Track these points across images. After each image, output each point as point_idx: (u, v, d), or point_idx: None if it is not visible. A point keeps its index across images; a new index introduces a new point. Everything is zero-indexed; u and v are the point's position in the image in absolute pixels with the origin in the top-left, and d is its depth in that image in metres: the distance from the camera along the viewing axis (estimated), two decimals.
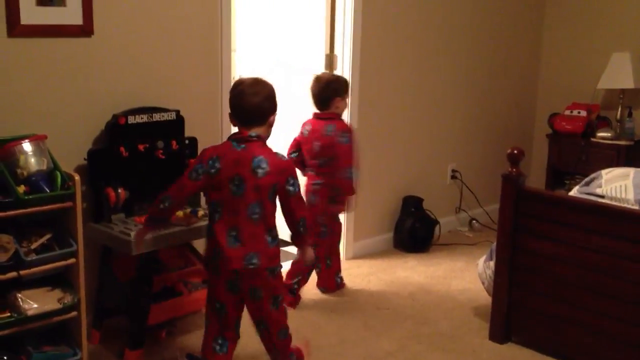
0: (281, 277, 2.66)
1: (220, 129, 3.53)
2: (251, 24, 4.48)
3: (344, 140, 3.42)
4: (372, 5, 4.02)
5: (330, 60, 4.06)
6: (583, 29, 4.95)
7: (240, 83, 2.56)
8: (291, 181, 2.49)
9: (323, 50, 4.05)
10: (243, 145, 2.47)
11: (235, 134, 2.54)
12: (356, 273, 4.01)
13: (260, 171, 2.43)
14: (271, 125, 2.56)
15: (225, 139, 3.53)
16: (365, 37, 4.02)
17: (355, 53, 3.99)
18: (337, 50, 4.04)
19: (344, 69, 4.02)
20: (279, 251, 2.56)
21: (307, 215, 2.64)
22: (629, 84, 4.46)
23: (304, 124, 3.56)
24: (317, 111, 3.51)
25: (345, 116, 4.03)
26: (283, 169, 2.48)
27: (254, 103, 2.47)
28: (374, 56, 4.10)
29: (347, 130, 3.48)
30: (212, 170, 2.46)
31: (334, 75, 3.63)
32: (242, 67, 4.60)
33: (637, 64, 4.49)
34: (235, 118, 2.54)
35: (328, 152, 3.43)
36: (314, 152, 3.48)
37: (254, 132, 2.48)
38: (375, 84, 4.15)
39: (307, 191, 3.46)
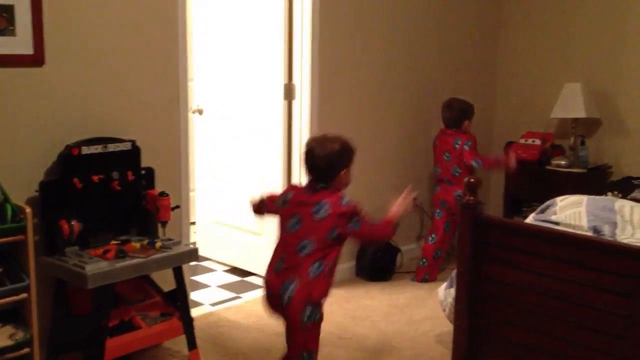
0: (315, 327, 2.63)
1: (178, 159, 3.50)
2: (209, 53, 4.47)
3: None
4: (330, 34, 4.05)
5: (289, 89, 4.08)
6: (536, 60, 5.07)
7: (311, 140, 2.73)
8: (353, 220, 2.58)
9: (281, 79, 4.06)
10: (311, 192, 2.60)
11: (308, 182, 2.66)
12: None
13: (318, 216, 2.53)
14: (343, 179, 2.67)
15: (183, 169, 3.53)
16: (324, 65, 4.04)
17: (313, 81, 4.01)
18: (296, 79, 4.05)
19: (302, 97, 4.03)
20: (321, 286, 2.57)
21: (381, 234, 2.75)
22: (580, 113, 4.57)
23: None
24: None
25: (305, 140, 4.04)
26: (343, 213, 2.55)
27: (321, 161, 2.60)
28: (333, 84, 4.13)
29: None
30: (281, 203, 2.66)
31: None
32: (200, 97, 4.58)
33: (588, 94, 4.61)
34: (307, 173, 2.66)
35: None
36: None
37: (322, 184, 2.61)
38: (335, 113, 4.17)
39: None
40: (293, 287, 2.52)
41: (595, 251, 2.59)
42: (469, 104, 4.33)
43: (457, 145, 4.23)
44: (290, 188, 2.79)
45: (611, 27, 4.69)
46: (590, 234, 2.77)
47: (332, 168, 2.61)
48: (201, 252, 4.56)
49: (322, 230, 2.53)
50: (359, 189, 4.37)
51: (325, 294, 2.60)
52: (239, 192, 4.39)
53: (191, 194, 4.03)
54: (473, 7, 5.00)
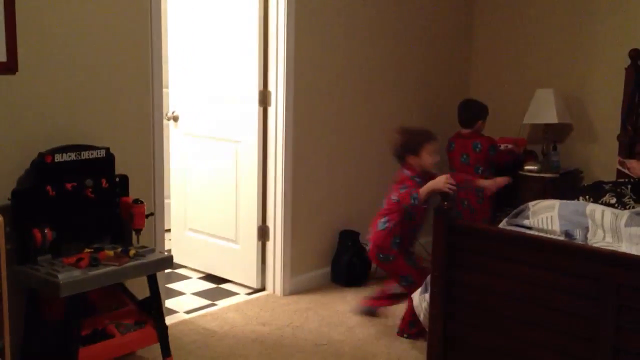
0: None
1: (153, 166, 3.48)
2: (184, 59, 4.46)
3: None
4: (305, 41, 4.06)
5: (264, 96, 4.08)
6: (509, 67, 5.14)
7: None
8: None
9: (256, 86, 4.07)
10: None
11: None
12: (294, 309, 3.98)
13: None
14: (414, 162, 3.49)
15: (157, 176, 3.51)
16: (299, 72, 4.05)
17: (289, 88, 4.02)
18: (271, 86, 4.06)
19: (277, 104, 4.04)
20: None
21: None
22: (552, 119, 4.63)
23: None
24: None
25: (280, 151, 4.06)
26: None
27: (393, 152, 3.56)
28: (309, 91, 4.14)
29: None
30: None
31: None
32: (176, 104, 4.57)
33: (560, 100, 4.68)
34: None
35: None
36: None
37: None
38: (310, 119, 4.18)
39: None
40: (369, 236, 3.56)
41: (567, 255, 2.63)
42: (483, 105, 4.58)
43: (478, 149, 4.46)
44: None
45: (581, 34, 4.77)
46: (562, 238, 2.81)
47: (400, 157, 3.53)
48: (176, 260, 4.53)
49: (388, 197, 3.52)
50: (338, 191, 4.40)
51: (389, 245, 3.47)
52: (215, 199, 4.39)
53: (166, 201, 4.01)
54: (446, 13, 5.05)
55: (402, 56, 4.74)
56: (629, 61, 4.44)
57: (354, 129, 4.48)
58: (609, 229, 2.77)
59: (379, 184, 4.70)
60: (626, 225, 2.76)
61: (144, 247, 3.04)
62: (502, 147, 4.68)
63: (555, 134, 4.82)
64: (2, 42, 2.83)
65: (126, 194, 3.11)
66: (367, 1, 4.40)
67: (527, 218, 3.00)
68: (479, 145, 4.49)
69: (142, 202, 3.04)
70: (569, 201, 3.10)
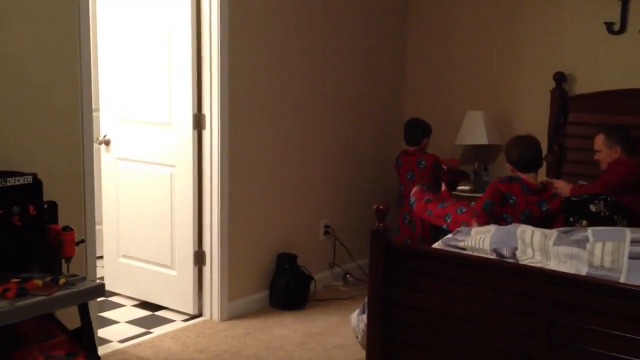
0: None
1: (83, 192, 3.40)
2: (115, 83, 4.38)
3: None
4: (241, 63, 4.06)
5: (198, 119, 4.05)
6: (441, 88, 5.26)
7: None
8: None
9: (190, 109, 4.03)
10: None
11: None
12: (232, 334, 3.92)
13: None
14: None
15: (88, 202, 3.42)
16: (234, 95, 4.04)
17: (223, 111, 3.99)
18: (206, 109, 4.03)
19: (212, 128, 4.01)
20: None
21: None
22: (483, 140, 4.76)
23: None
24: None
25: (215, 175, 4.02)
26: None
27: None
28: (244, 113, 4.13)
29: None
30: None
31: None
32: (108, 127, 4.48)
33: (490, 122, 4.82)
34: None
35: None
36: None
37: None
38: (246, 142, 4.16)
39: None
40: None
41: (498, 273, 2.70)
42: (428, 124, 4.78)
43: (422, 165, 4.62)
44: None
45: (509, 58, 4.93)
46: (493, 256, 2.88)
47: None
48: (109, 287, 4.44)
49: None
50: (275, 213, 4.38)
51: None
52: (149, 224, 4.30)
53: (98, 227, 3.91)
54: (380, 38, 5.14)
55: (338, 78, 4.79)
56: (554, 84, 4.62)
57: (291, 151, 4.48)
58: (537, 248, 2.84)
59: (316, 206, 4.72)
60: (554, 244, 2.84)
61: (74, 275, 2.94)
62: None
63: (486, 154, 4.96)
64: None
65: (55, 221, 3.02)
66: (303, 23, 4.43)
67: (464, 239, 3.06)
68: (423, 162, 4.64)
69: (71, 229, 2.96)
70: (503, 226, 3.18)
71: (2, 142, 3.02)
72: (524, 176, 3.72)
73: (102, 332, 3.82)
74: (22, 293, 2.67)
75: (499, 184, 3.70)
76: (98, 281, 3.15)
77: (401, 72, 5.40)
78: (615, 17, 4.46)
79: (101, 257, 4.48)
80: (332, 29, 4.69)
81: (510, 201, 3.65)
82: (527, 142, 3.72)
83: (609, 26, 4.48)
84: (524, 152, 3.70)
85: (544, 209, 3.66)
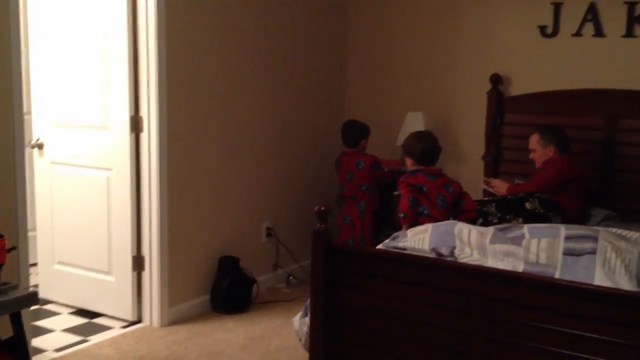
0: None
1: (14, 197, 3.28)
2: (48, 84, 4.25)
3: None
4: (178, 64, 3.99)
5: (136, 122, 3.97)
6: (382, 89, 5.30)
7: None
8: None
9: (127, 111, 3.94)
10: None
11: None
12: (173, 340, 3.86)
13: None
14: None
15: (20, 208, 3.30)
16: (172, 96, 3.97)
17: (162, 113, 3.92)
18: (143, 111, 3.95)
19: (150, 130, 3.94)
20: None
21: None
22: None
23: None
24: None
25: (154, 178, 3.95)
26: None
27: None
28: (183, 115, 4.07)
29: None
30: None
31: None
32: (41, 130, 4.34)
33: (429, 123, 4.88)
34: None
35: None
36: None
37: None
38: (185, 145, 4.10)
39: None
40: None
41: (436, 271, 2.73)
42: (365, 125, 4.75)
43: (360, 167, 4.61)
44: None
45: (446, 60, 5.01)
46: (432, 255, 2.91)
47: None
48: (44, 295, 4.31)
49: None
50: (217, 216, 4.33)
51: None
52: (86, 229, 4.19)
53: (32, 233, 3.78)
54: (320, 40, 5.15)
55: (277, 78, 4.77)
56: (490, 85, 4.72)
57: (231, 153, 4.44)
58: (475, 245, 2.89)
59: (257, 208, 4.69)
60: (490, 242, 2.89)
61: (5, 283, 2.83)
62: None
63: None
64: None
65: None
66: (241, 22, 4.39)
67: (404, 241, 3.08)
68: (362, 163, 4.64)
69: (2, 236, 2.84)
70: (441, 223, 3.22)
71: None
72: (425, 169, 3.92)
73: (36, 342, 3.69)
74: None
75: (407, 179, 3.89)
76: (31, 289, 3.04)
77: (341, 72, 5.43)
78: (548, 21, 4.59)
79: (35, 265, 4.34)
80: (271, 27, 4.66)
81: (424, 189, 3.85)
82: (428, 138, 3.97)
83: (542, 29, 4.61)
84: (426, 147, 3.93)
85: (450, 190, 3.89)
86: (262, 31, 4.59)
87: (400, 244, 3.08)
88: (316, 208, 3.02)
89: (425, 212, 3.81)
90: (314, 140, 5.16)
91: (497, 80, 4.71)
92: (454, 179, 4.07)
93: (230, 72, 4.38)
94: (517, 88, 4.74)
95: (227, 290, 4.27)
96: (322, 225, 2.99)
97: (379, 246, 3.21)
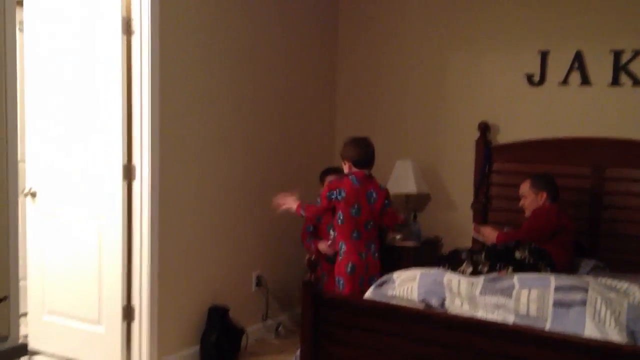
0: None
1: (6, 247, 3.27)
2: (43, 132, 4.28)
3: None
4: (171, 113, 4.03)
5: (128, 170, 3.99)
6: (370, 135, 5.29)
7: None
8: None
9: (120, 160, 3.97)
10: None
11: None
12: None
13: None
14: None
15: (12, 257, 3.29)
16: (165, 145, 3.99)
17: (154, 161, 3.93)
18: (136, 160, 3.97)
19: (142, 178, 3.95)
20: None
21: None
22: (412, 189, 4.85)
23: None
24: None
25: (145, 227, 3.95)
26: None
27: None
28: (175, 164, 4.08)
29: None
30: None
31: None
32: (34, 179, 4.35)
33: (418, 171, 4.92)
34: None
35: None
36: None
37: None
38: (177, 193, 4.11)
39: None
40: None
41: (426, 323, 2.73)
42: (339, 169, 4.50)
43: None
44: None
45: (435, 108, 5.09)
46: (421, 307, 2.91)
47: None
48: (33, 346, 4.26)
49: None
50: (207, 265, 4.32)
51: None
52: (76, 279, 4.17)
53: (22, 282, 3.76)
54: (309, 83, 5.22)
55: (268, 128, 4.82)
56: (478, 134, 4.79)
57: (222, 203, 4.45)
58: (465, 297, 2.90)
59: (247, 258, 4.69)
60: (481, 293, 2.90)
61: None
62: None
63: (415, 203, 5.05)
64: None
65: None
66: (233, 74, 4.47)
67: (392, 289, 3.08)
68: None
69: None
70: (430, 270, 3.22)
71: None
72: (358, 171, 4.04)
73: None
74: None
75: (331, 183, 4.03)
76: (21, 341, 3.01)
77: (330, 120, 5.49)
78: (536, 69, 4.68)
79: (25, 315, 4.30)
80: (263, 76, 4.74)
81: (340, 197, 3.96)
82: (366, 144, 4.11)
83: (529, 77, 4.70)
84: (363, 152, 4.08)
85: (374, 195, 4.01)
86: (251, 82, 4.65)
87: (389, 292, 3.08)
88: (306, 258, 3.04)
89: (341, 216, 3.95)
90: (304, 189, 5.18)
91: (485, 128, 4.78)
92: (383, 187, 4.16)
93: (221, 123, 4.42)
94: (504, 136, 4.81)
95: (216, 342, 4.22)
96: (312, 276, 3.00)
97: (367, 294, 3.21)
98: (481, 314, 2.79)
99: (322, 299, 2.95)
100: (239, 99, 4.57)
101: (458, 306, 2.87)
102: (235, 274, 4.60)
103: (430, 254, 4.75)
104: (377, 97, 5.33)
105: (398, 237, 4.79)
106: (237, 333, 4.34)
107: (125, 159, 3.98)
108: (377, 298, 3.08)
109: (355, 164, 4.07)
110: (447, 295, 2.92)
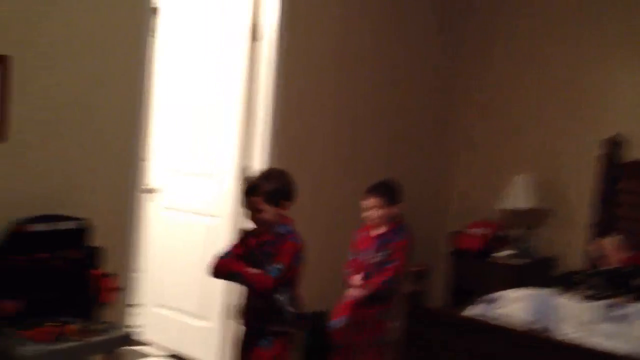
0: None
1: (127, 240, 3.46)
2: (166, 133, 4.48)
3: None
4: (291, 118, 4.11)
5: (246, 172, 4.09)
6: (488, 151, 5.23)
7: None
8: None
9: (236, 160, 4.08)
10: None
11: None
12: None
13: None
14: None
15: (131, 250, 3.47)
16: (283, 149, 4.08)
17: (272, 165, 4.02)
18: (254, 162, 4.07)
19: None
20: None
21: None
22: (528, 204, 4.68)
23: None
24: None
25: None
26: None
27: None
28: (292, 169, 4.15)
29: None
30: None
31: None
32: (155, 176, 4.56)
33: (537, 186, 4.74)
34: None
35: None
36: None
37: None
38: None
39: None
40: None
41: (531, 346, 2.62)
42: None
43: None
44: None
45: (555, 122, 4.90)
46: (530, 328, 2.80)
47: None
48: (144, 336, 4.43)
49: None
50: (314, 266, 4.33)
51: None
52: (187, 274, 4.32)
53: (137, 275, 3.94)
54: (427, 95, 5.17)
55: (386, 143, 4.83)
56: (601, 149, 4.54)
57: (339, 205, 4.47)
58: (578, 322, 2.76)
59: None
60: (595, 320, 2.76)
61: (110, 322, 2.97)
62: (475, 231, 4.66)
63: (531, 219, 4.86)
64: None
65: (97, 266, 3.07)
66: (356, 83, 4.50)
67: (500, 307, 2.99)
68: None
69: (111, 276, 3.00)
70: (540, 291, 3.10)
71: (57, 187, 3.10)
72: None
73: None
74: (58, 337, 2.71)
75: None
76: (132, 329, 3.15)
77: (449, 136, 5.39)
78: None
79: (138, 305, 4.51)
80: (383, 83, 4.75)
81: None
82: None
83: None
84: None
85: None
86: (371, 97, 4.67)
87: (497, 311, 2.99)
88: (413, 269, 3.00)
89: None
90: (417, 202, 5.13)
91: (612, 144, 4.51)
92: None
93: (340, 131, 4.48)
94: (637, 152, 4.52)
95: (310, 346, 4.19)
96: (418, 288, 2.96)
97: (471, 311, 3.12)
98: (595, 341, 2.65)
99: (425, 312, 2.90)
100: (360, 107, 4.60)
101: (570, 331, 2.73)
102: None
103: (541, 274, 4.56)
104: (495, 106, 5.20)
105: (508, 253, 4.63)
106: (328, 338, 4.31)
107: (243, 160, 4.09)
108: (482, 316, 3.00)
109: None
110: (558, 318, 2.79)
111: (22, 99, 2.96)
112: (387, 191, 3.60)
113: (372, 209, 3.59)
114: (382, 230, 3.63)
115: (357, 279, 3.61)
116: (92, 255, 3.06)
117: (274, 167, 3.28)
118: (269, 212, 2.85)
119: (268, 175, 3.01)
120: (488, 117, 5.24)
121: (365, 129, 4.67)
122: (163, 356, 4.37)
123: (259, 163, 4.05)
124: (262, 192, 2.87)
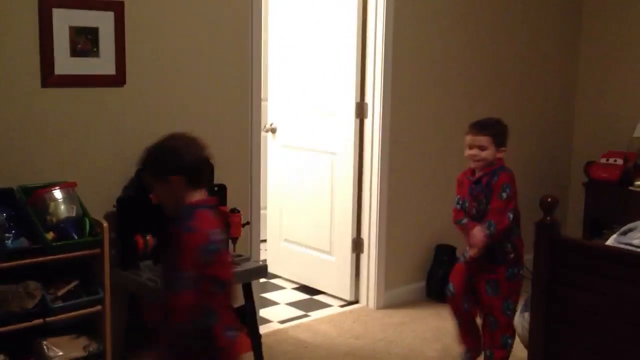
0: None
1: (250, 177, 3.55)
2: (283, 73, 4.52)
3: None
4: (403, 53, 4.03)
5: (361, 108, 4.07)
6: (619, 75, 4.89)
7: None
8: None
9: (353, 98, 4.06)
10: None
11: None
12: (387, 323, 3.92)
13: None
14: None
15: (254, 187, 3.56)
16: (396, 84, 4.02)
17: (385, 101, 3.99)
18: (368, 98, 4.04)
19: (374, 117, 4.02)
20: None
21: None
22: None
23: None
24: None
25: (375, 164, 4.03)
26: None
27: None
28: (405, 103, 4.10)
29: None
30: None
31: None
32: (274, 116, 4.63)
33: None
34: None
35: None
36: None
37: None
38: (407, 132, 4.13)
39: None
40: None
41: None
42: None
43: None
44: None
45: None
46: None
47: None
48: (271, 270, 4.59)
49: None
50: (434, 204, 4.31)
51: None
52: (310, 210, 4.41)
53: (262, 211, 4.06)
54: (552, 17, 4.88)
55: (503, 79, 4.62)
56: None
57: (451, 142, 4.37)
58: None
59: None
60: None
61: (239, 255, 3.08)
62: (611, 160, 4.40)
63: None
64: (112, 57, 2.97)
65: (224, 203, 3.17)
66: (468, 22, 4.32)
67: (638, 237, 2.82)
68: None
69: (238, 212, 3.09)
70: None
71: (179, 128, 3.17)
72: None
73: (263, 312, 3.97)
74: None
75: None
76: (261, 263, 3.26)
77: (574, 58, 5.09)
78: None
79: (264, 241, 4.66)
80: (500, 32, 4.55)
81: None
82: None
83: None
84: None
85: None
86: (489, 33, 4.48)
87: (635, 241, 2.83)
88: (541, 199, 2.87)
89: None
90: (539, 129, 4.91)
91: None
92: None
93: (454, 63, 4.32)
94: None
95: (442, 279, 4.22)
96: (548, 218, 2.84)
97: (610, 241, 2.97)
98: None
99: (557, 242, 2.79)
100: (476, 49, 4.43)
101: None
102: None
103: None
104: (626, 23, 4.83)
105: None
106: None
107: (358, 97, 4.07)
108: (620, 246, 2.84)
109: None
110: None
111: (136, 45, 3.06)
112: (498, 132, 3.31)
113: (479, 147, 3.26)
114: (481, 173, 3.31)
115: (478, 229, 3.34)
116: (219, 193, 3.17)
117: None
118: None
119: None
120: (620, 33, 4.86)
121: (482, 56, 4.48)
122: (293, 288, 4.51)
123: (373, 99, 4.02)
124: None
